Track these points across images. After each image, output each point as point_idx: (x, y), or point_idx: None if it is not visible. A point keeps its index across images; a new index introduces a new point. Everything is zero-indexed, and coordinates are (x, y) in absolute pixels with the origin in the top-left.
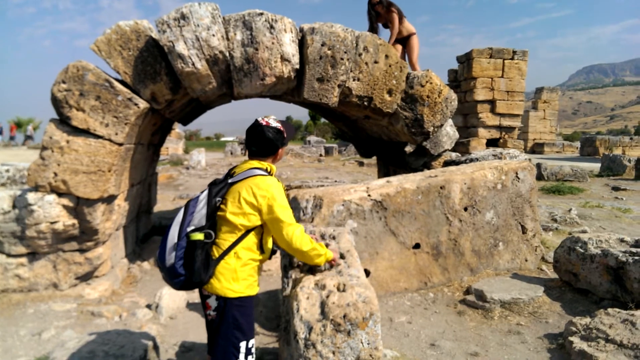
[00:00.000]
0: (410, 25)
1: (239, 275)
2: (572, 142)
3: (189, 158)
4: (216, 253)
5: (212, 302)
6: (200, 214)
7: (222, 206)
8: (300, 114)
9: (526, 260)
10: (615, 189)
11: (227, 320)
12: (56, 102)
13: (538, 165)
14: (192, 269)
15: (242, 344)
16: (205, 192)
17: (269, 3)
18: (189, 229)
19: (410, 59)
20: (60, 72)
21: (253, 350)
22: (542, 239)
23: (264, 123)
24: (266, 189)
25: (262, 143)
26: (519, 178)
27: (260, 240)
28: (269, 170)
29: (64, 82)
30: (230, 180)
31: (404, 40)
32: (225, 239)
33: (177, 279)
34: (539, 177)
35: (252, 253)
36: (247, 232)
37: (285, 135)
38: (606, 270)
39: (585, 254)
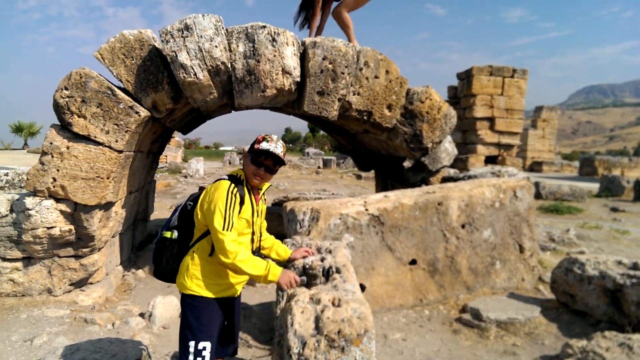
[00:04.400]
0: None
1: (192, 272)
2: (570, 162)
3: (187, 166)
4: (184, 251)
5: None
6: (176, 216)
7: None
8: (300, 125)
9: (523, 280)
10: (614, 210)
11: (181, 315)
12: (58, 108)
13: (536, 184)
14: (157, 260)
15: (191, 344)
16: (187, 198)
17: (273, 16)
18: (167, 227)
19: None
20: (63, 79)
21: (205, 353)
22: (540, 258)
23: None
24: (212, 192)
25: None
26: (517, 197)
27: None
28: (238, 175)
29: (66, 89)
30: (207, 187)
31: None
32: (193, 238)
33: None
34: (537, 196)
35: (204, 253)
36: (206, 233)
37: (255, 146)
38: (604, 293)
39: (582, 275)
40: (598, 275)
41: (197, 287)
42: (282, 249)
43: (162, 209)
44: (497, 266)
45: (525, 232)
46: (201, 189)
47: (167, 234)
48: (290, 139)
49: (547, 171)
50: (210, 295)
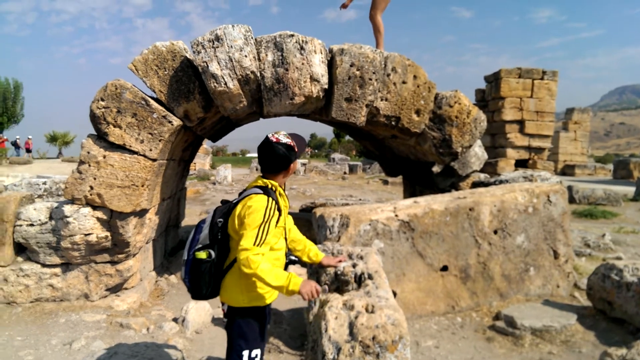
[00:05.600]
0: None
1: (243, 287)
2: (604, 165)
3: (215, 173)
4: (224, 266)
5: (225, 308)
6: (204, 234)
7: (227, 225)
8: (325, 130)
9: (558, 287)
10: None
11: (233, 327)
12: (94, 119)
13: (569, 188)
14: (195, 284)
15: (245, 353)
16: (211, 214)
17: (298, 23)
18: (196, 247)
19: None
20: (99, 90)
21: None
22: (575, 264)
23: (274, 140)
24: (248, 206)
25: (272, 160)
26: (550, 201)
27: None
28: (270, 187)
29: (102, 100)
30: (234, 201)
31: None
32: (232, 254)
33: (188, 290)
34: (571, 200)
35: None
36: None
37: (296, 150)
38: None
39: (620, 281)
40: (637, 282)
41: (252, 300)
42: (313, 253)
43: (191, 216)
44: (531, 272)
45: (560, 238)
46: (223, 202)
47: (202, 255)
48: (316, 145)
49: (579, 175)
50: (262, 304)
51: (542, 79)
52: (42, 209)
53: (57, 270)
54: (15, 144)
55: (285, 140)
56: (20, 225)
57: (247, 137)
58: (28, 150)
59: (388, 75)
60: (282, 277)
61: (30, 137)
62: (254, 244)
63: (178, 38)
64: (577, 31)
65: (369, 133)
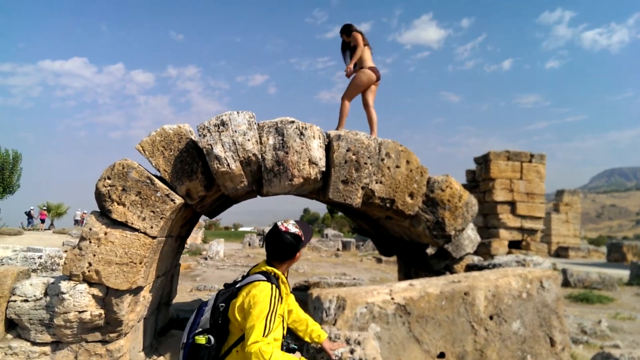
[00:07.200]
0: (369, 60)
1: None
2: (597, 247)
3: (207, 248)
4: (222, 351)
5: None
6: (205, 318)
7: (229, 308)
8: (318, 206)
9: None
10: None
11: None
12: (99, 196)
13: (564, 271)
14: None
15: None
16: (213, 297)
17: (294, 102)
18: (196, 331)
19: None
20: (106, 169)
21: None
22: (572, 352)
23: (283, 229)
24: (253, 295)
25: (280, 248)
26: (544, 287)
27: None
28: (273, 274)
29: (109, 178)
30: (237, 285)
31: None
32: (231, 338)
33: None
34: (566, 283)
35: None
36: None
37: (303, 240)
38: None
39: None
40: None
41: None
42: (316, 334)
43: (182, 292)
44: None
45: (555, 325)
46: (226, 285)
47: (202, 340)
48: (309, 220)
49: (573, 257)
50: None
51: (530, 161)
52: (38, 285)
53: (47, 348)
54: (29, 214)
55: (293, 230)
56: (15, 301)
57: (240, 210)
58: (42, 221)
59: (382, 159)
60: None
61: (45, 207)
62: (263, 335)
63: (178, 114)
64: (562, 116)
65: (364, 213)
